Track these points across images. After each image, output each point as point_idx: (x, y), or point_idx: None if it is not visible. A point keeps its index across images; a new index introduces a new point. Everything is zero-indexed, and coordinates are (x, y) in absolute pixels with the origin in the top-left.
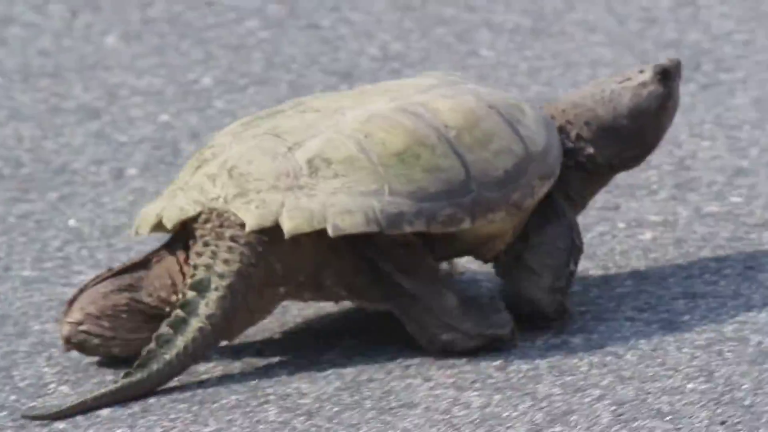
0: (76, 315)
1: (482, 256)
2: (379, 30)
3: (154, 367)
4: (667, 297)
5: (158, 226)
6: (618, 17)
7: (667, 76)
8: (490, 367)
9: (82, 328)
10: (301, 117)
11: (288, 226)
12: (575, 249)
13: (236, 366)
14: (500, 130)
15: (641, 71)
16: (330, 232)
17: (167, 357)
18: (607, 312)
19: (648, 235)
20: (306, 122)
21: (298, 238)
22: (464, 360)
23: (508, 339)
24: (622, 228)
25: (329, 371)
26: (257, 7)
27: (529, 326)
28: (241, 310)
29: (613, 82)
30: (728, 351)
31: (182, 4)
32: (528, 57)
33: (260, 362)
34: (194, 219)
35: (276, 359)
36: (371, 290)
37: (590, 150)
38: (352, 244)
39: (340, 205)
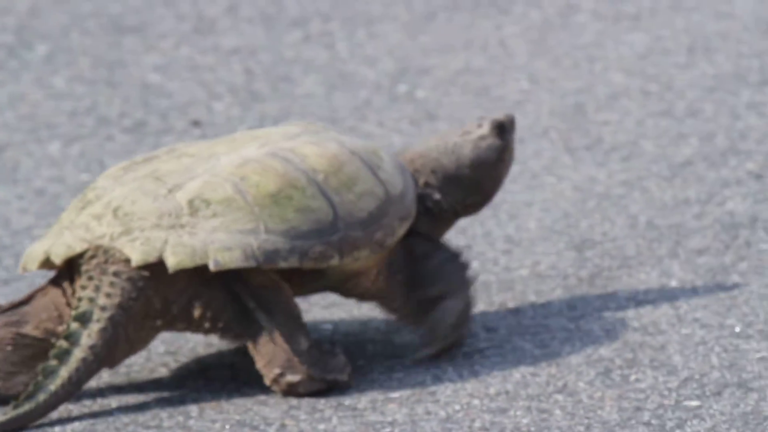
0: None
1: (347, 292)
2: None
3: (41, 397)
4: None
5: (45, 263)
6: None
7: (503, 129)
8: None
9: None
10: (177, 161)
11: (171, 262)
12: (460, 261)
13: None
14: (362, 175)
15: (479, 125)
16: (211, 266)
17: (52, 387)
18: None
19: None
20: (183, 166)
21: (175, 274)
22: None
23: (345, 383)
24: None
25: None
26: None
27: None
28: (122, 340)
29: (455, 134)
30: None
31: None
32: None
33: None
34: (80, 255)
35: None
36: (233, 325)
37: (437, 196)
38: (224, 280)
39: (219, 242)
